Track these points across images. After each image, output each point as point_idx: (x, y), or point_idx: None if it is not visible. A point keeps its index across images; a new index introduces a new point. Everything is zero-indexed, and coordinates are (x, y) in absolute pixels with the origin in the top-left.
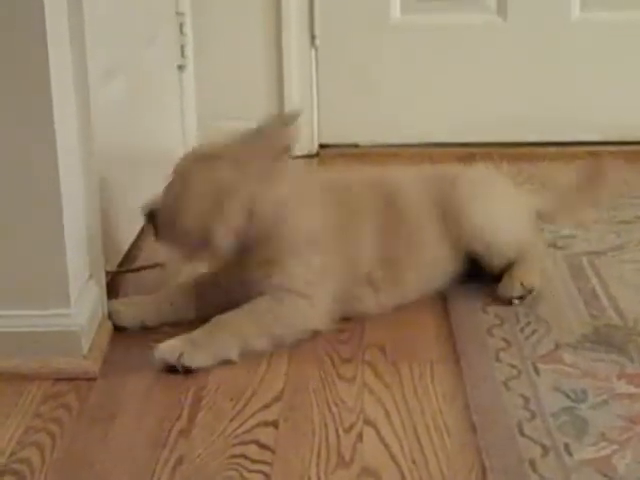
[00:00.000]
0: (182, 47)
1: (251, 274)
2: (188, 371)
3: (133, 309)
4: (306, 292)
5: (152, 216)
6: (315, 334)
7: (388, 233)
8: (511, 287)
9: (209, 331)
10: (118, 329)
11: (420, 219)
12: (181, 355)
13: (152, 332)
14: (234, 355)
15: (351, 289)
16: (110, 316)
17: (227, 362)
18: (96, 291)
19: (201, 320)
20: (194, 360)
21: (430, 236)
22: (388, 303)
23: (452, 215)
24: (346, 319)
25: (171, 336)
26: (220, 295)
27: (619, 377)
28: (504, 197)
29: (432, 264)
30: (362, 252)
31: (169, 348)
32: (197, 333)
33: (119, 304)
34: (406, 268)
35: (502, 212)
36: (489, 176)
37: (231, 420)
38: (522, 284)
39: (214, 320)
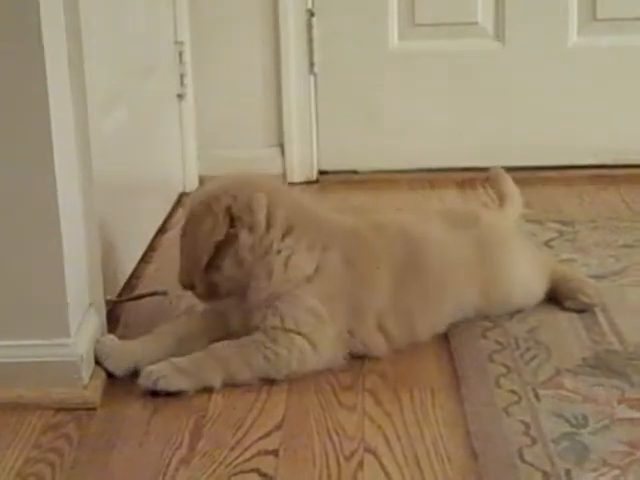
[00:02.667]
0: (181, 76)
1: (249, 315)
2: (171, 394)
3: (129, 352)
4: (304, 332)
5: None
6: None
7: (403, 283)
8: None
9: (196, 358)
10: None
11: (438, 269)
12: (158, 379)
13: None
14: (217, 383)
15: (358, 336)
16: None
17: (210, 389)
18: (96, 320)
19: None
20: (171, 384)
21: (448, 286)
22: (399, 347)
23: (479, 274)
24: None
25: None
26: (221, 333)
27: (620, 402)
28: (525, 254)
29: (449, 312)
30: (371, 300)
31: (148, 372)
32: (183, 358)
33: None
34: (421, 317)
35: (528, 271)
36: (509, 230)
37: (232, 449)
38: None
39: (207, 348)
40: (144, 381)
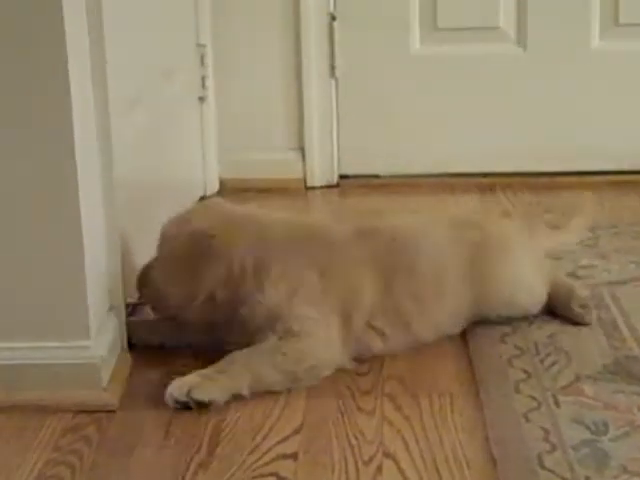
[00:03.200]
0: (203, 79)
1: (249, 323)
2: (202, 406)
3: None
4: (310, 331)
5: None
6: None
7: (390, 283)
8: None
9: (221, 367)
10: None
11: (430, 271)
12: (190, 390)
13: (172, 365)
14: (245, 390)
15: (352, 335)
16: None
17: (238, 397)
18: (116, 323)
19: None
20: (204, 394)
21: (442, 287)
22: (397, 347)
23: (477, 277)
24: None
25: (191, 370)
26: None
27: None
28: (527, 258)
29: (447, 314)
30: (356, 304)
31: (178, 384)
32: (209, 369)
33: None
34: (414, 317)
35: (528, 276)
36: (511, 234)
37: (250, 453)
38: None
39: (228, 357)
40: (176, 392)
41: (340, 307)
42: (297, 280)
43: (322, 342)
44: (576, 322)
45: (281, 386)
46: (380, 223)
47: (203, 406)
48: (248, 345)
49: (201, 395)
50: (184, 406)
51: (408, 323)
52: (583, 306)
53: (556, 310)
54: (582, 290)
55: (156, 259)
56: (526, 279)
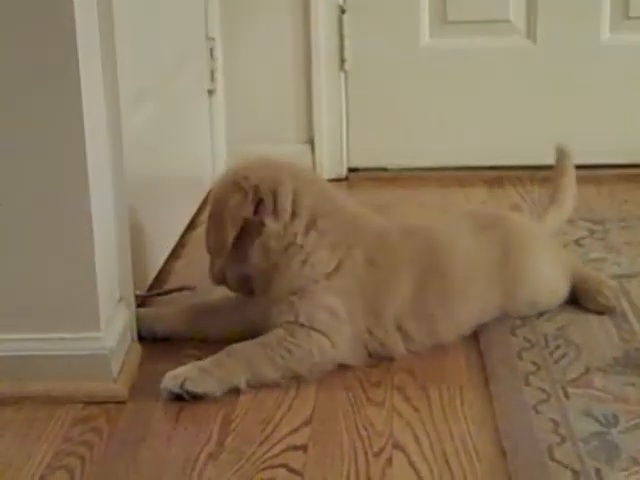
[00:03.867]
0: (212, 71)
1: (268, 308)
2: (196, 397)
3: (147, 316)
4: (320, 328)
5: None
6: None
7: (425, 287)
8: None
9: (219, 359)
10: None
11: (463, 273)
12: (184, 382)
13: (182, 356)
14: (242, 384)
15: (376, 335)
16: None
17: (236, 390)
18: (126, 315)
19: (221, 343)
20: (198, 386)
21: (471, 290)
22: (419, 349)
23: (504, 279)
24: None
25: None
26: (235, 320)
27: None
28: (549, 256)
29: (472, 316)
30: (390, 302)
31: (172, 376)
32: (207, 360)
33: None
34: (442, 320)
35: (552, 275)
36: (532, 232)
37: (260, 444)
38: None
39: (227, 349)
40: (170, 384)
41: (372, 303)
42: (336, 260)
43: (331, 343)
44: (601, 312)
45: (280, 381)
46: (416, 223)
47: (198, 397)
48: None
49: (194, 388)
50: (178, 397)
51: (434, 326)
52: (611, 298)
53: (582, 301)
54: (609, 280)
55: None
56: (550, 278)
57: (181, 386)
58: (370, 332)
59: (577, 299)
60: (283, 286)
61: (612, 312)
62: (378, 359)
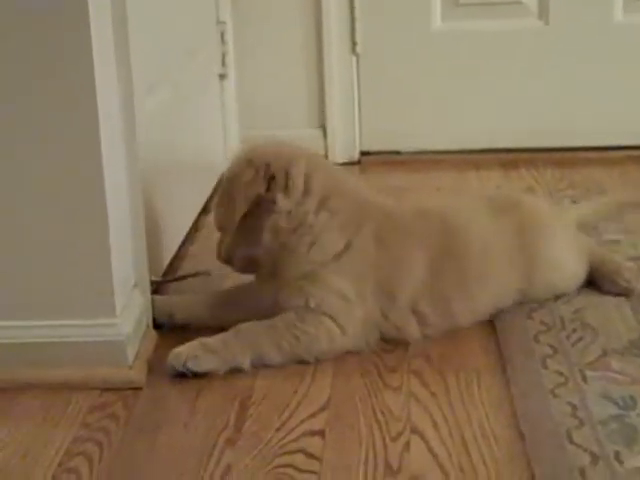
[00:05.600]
0: (223, 56)
1: (279, 293)
2: (199, 375)
3: (166, 303)
4: (330, 312)
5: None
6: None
7: (440, 268)
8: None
9: (224, 338)
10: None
11: (479, 255)
12: (187, 360)
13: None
14: (246, 364)
15: (391, 319)
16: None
17: (239, 370)
18: (141, 301)
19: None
20: (201, 365)
21: (489, 273)
22: (434, 334)
23: (522, 263)
24: None
25: None
26: (253, 307)
27: None
28: (566, 240)
29: (490, 300)
30: (405, 284)
31: (176, 353)
32: (212, 338)
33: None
34: (459, 303)
35: (569, 259)
36: (549, 216)
37: (278, 429)
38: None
39: (234, 328)
40: (174, 362)
41: (385, 285)
42: (346, 239)
43: (340, 330)
44: (620, 294)
45: (282, 363)
46: (431, 204)
47: (200, 375)
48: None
49: (197, 367)
50: (180, 375)
51: (451, 309)
52: (631, 279)
53: (600, 284)
54: (627, 263)
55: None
56: (568, 262)
57: (184, 364)
58: (385, 315)
59: (594, 282)
60: (292, 269)
61: (632, 294)
62: (394, 344)
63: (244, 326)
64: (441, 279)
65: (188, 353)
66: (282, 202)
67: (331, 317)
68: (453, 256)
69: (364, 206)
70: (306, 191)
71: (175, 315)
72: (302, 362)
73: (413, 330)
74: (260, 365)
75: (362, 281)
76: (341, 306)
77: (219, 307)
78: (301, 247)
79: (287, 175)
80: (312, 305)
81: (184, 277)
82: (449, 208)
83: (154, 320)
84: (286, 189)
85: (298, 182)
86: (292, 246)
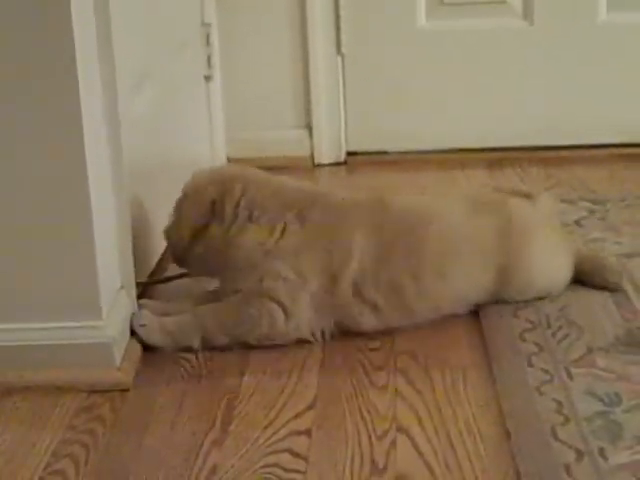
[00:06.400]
0: (208, 57)
1: (229, 284)
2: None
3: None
4: (273, 294)
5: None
6: (345, 343)
7: (386, 255)
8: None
9: (180, 320)
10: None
11: (438, 249)
12: (140, 326)
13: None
14: (195, 344)
15: (338, 302)
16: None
17: (239, 374)
18: (127, 302)
19: None
20: (150, 338)
21: (449, 268)
22: (392, 324)
23: (499, 264)
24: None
25: (203, 351)
26: None
27: None
28: (550, 242)
29: (452, 296)
30: (343, 264)
31: (137, 316)
32: (170, 319)
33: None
34: (412, 292)
35: (553, 261)
36: (532, 217)
37: (264, 429)
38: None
39: (193, 309)
40: (133, 321)
41: (324, 264)
42: (277, 229)
43: (284, 313)
44: (609, 289)
45: (228, 344)
46: (391, 197)
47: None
48: None
49: (146, 337)
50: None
51: (404, 300)
52: (618, 273)
53: (588, 281)
54: (610, 258)
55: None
56: (551, 263)
57: (138, 328)
58: (330, 297)
59: (581, 280)
60: (233, 270)
61: (620, 288)
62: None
63: (199, 308)
64: (388, 266)
65: (144, 320)
66: (213, 231)
67: (274, 299)
68: (403, 246)
69: (291, 197)
70: (235, 216)
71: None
72: (246, 345)
73: (367, 319)
74: (210, 346)
75: (297, 259)
76: (282, 287)
77: None
78: (237, 249)
79: (222, 204)
80: (257, 288)
81: (170, 279)
82: (410, 202)
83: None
84: (221, 219)
85: (228, 211)
86: (226, 262)
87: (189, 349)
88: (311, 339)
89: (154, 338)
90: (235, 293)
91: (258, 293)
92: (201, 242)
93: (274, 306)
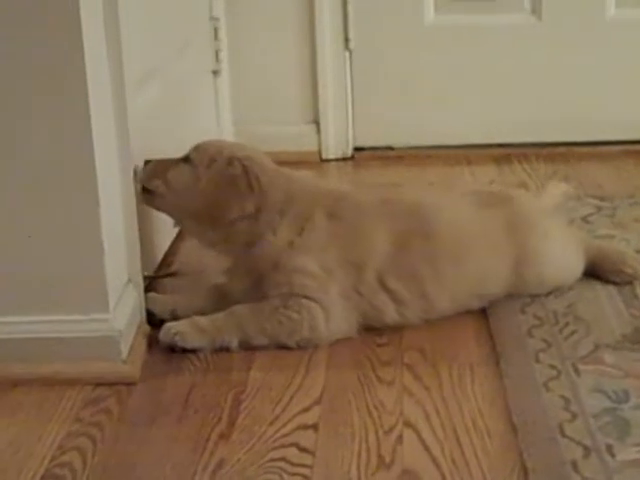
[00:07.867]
0: (216, 52)
1: (259, 285)
2: (186, 350)
3: (166, 300)
4: (308, 293)
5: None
6: (353, 338)
7: (406, 247)
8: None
9: (216, 318)
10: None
11: (453, 240)
12: (175, 335)
13: None
14: (233, 345)
15: (364, 294)
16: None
17: (246, 369)
18: (134, 296)
19: None
20: (187, 342)
21: (469, 261)
22: (414, 318)
23: (512, 258)
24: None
25: None
26: (240, 299)
27: None
28: (561, 237)
29: (472, 287)
30: (368, 256)
31: (167, 328)
32: (204, 318)
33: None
34: (431, 282)
35: (564, 255)
36: (542, 212)
37: (271, 424)
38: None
39: (229, 309)
40: (163, 337)
41: (350, 255)
42: (304, 222)
43: (323, 313)
44: (622, 281)
45: (268, 345)
46: (406, 194)
47: (186, 351)
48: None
49: (184, 343)
50: (170, 349)
51: (424, 289)
52: (635, 264)
53: (604, 275)
54: (628, 250)
55: (181, 163)
56: (562, 257)
57: (172, 338)
58: (357, 289)
59: (595, 274)
60: (259, 261)
61: (636, 279)
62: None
63: (236, 308)
64: (408, 256)
65: (178, 329)
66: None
67: (312, 299)
68: (419, 237)
69: (313, 194)
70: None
71: (177, 312)
72: (288, 346)
73: (390, 310)
74: (247, 347)
75: (322, 253)
76: (312, 284)
77: (218, 300)
78: (265, 236)
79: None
80: (292, 291)
81: (177, 273)
82: (423, 197)
83: (150, 316)
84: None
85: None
86: (254, 237)
87: (226, 349)
88: (348, 335)
89: (192, 341)
90: (258, 289)
91: (291, 293)
92: (222, 230)
93: (312, 304)
